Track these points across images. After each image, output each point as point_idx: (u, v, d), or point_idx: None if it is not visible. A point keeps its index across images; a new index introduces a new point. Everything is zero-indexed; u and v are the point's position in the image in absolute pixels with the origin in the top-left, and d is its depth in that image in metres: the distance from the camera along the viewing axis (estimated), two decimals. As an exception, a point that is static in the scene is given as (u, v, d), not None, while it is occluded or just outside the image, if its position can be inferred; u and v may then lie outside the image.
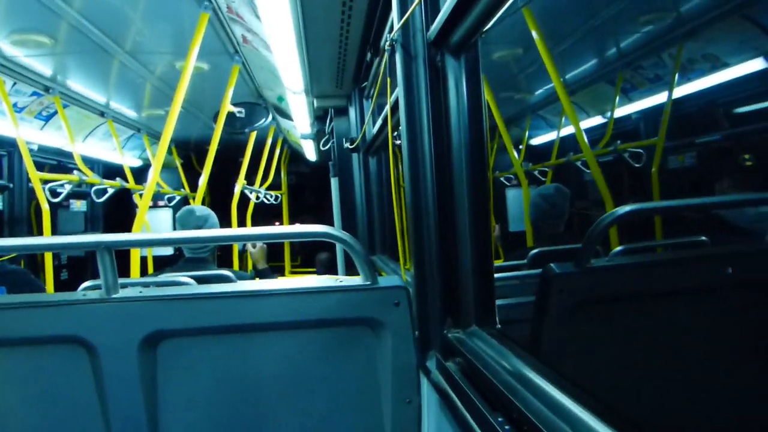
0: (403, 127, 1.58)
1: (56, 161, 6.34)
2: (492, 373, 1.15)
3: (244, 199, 5.92)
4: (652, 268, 1.64)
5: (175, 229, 2.85)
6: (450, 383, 1.34)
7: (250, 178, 6.21)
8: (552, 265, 1.51)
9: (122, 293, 1.44)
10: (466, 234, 1.44)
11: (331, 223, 4.51)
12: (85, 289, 1.75)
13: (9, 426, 1.50)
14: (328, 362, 1.50)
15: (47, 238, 1.59)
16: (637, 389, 1.46)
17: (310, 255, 8.94)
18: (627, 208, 1.46)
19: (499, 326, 1.46)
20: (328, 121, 4.62)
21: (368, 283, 1.45)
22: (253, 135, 5.64)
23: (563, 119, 6.00)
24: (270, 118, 5.12)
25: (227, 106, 3.83)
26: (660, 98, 4.66)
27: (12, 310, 1.44)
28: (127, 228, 8.57)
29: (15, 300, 1.49)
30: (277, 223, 9.17)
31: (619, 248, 1.81)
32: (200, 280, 2.05)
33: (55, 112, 4.91)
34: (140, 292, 1.48)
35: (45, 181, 4.13)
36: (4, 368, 1.49)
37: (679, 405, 1.48)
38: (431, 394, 1.47)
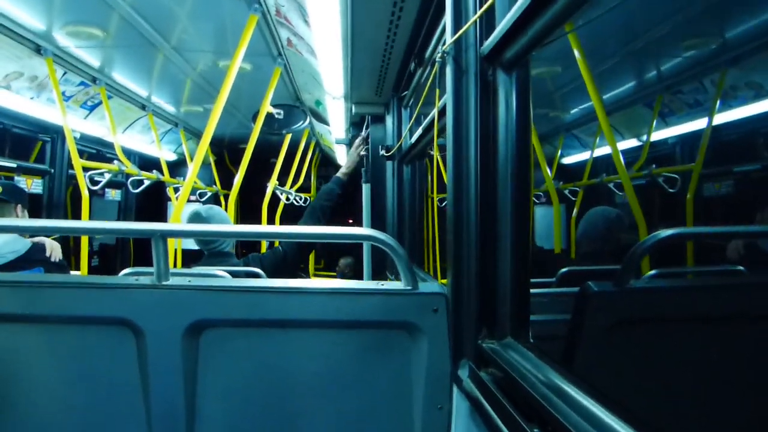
0: (449, 138, 1.61)
1: (95, 150, 6.50)
2: (528, 384, 1.17)
3: (273, 200, 5.99)
4: (691, 292, 1.64)
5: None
6: (483, 392, 1.36)
7: (281, 179, 6.27)
8: (590, 283, 1.53)
9: (172, 281, 1.49)
10: (507, 246, 1.46)
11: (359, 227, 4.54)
12: (130, 275, 1.80)
13: (53, 401, 1.56)
14: (363, 363, 1.53)
15: (104, 223, 1.65)
16: (669, 413, 1.47)
17: (333, 259, 8.97)
18: (669, 231, 1.47)
19: (533, 340, 1.48)
20: (364, 128, 4.66)
21: (409, 287, 1.48)
22: (288, 137, 5.71)
23: (598, 139, 5.98)
24: (307, 121, 5.18)
25: (267, 107, 3.89)
26: (699, 124, 4.63)
27: (65, 288, 1.50)
28: (159, 218, 8.70)
29: (69, 279, 1.55)
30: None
31: (652, 272, 1.82)
32: (233, 275, 2.10)
33: (100, 103, 5.05)
34: (189, 281, 1.52)
35: (85, 169, 4.23)
36: (52, 344, 1.55)
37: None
38: (461, 402, 1.49)
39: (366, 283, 1.61)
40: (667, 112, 4.98)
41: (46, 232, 1.57)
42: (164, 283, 1.48)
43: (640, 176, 4.61)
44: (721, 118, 4.22)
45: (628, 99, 5.08)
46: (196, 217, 2.88)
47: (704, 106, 4.41)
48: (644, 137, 5.22)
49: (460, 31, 1.54)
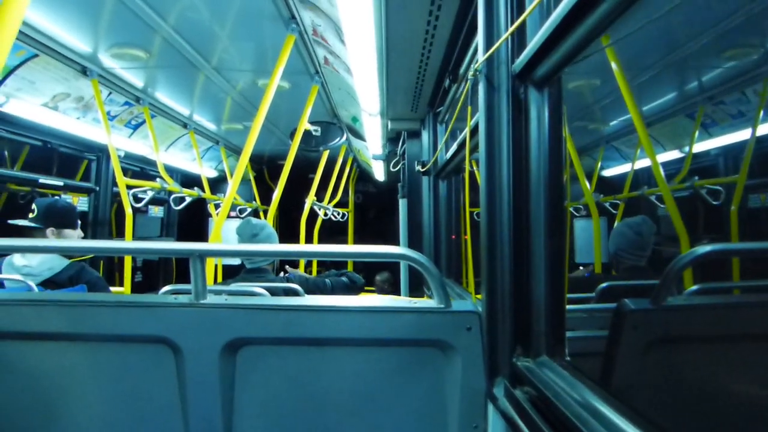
0: (482, 155, 1.61)
1: (139, 168, 6.67)
2: (563, 404, 1.16)
3: (312, 215, 6.05)
4: (730, 309, 1.60)
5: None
6: (518, 411, 1.35)
7: (319, 195, 6.34)
8: (627, 300, 1.50)
9: (209, 300, 1.53)
10: (541, 263, 1.46)
11: (395, 243, 4.57)
12: (169, 292, 1.85)
13: (95, 417, 1.60)
14: (397, 381, 1.53)
15: (144, 243, 1.71)
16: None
17: (372, 274, 9.01)
18: (708, 248, 1.44)
19: (569, 358, 1.46)
20: (400, 143, 4.69)
21: (442, 306, 1.48)
22: (326, 153, 5.77)
23: (638, 151, 5.88)
24: (344, 137, 5.24)
25: (305, 124, 3.95)
26: (742, 135, 4.52)
27: (107, 307, 1.55)
28: (200, 234, 8.85)
29: (110, 298, 1.59)
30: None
31: (694, 287, 1.78)
32: (269, 290, 2.13)
33: (143, 122, 5.19)
34: (225, 299, 1.56)
35: (129, 187, 4.35)
36: (94, 362, 1.59)
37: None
38: (497, 420, 1.48)
39: (399, 301, 1.61)
40: (709, 123, 4.87)
41: (89, 252, 1.62)
42: (202, 301, 1.52)
43: (683, 188, 4.51)
44: (765, 129, 4.11)
45: (670, 110, 4.99)
46: (246, 225, 2.94)
47: (747, 116, 4.31)
48: (686, 148, 5.12)
49: (492, 50, 1.54)
